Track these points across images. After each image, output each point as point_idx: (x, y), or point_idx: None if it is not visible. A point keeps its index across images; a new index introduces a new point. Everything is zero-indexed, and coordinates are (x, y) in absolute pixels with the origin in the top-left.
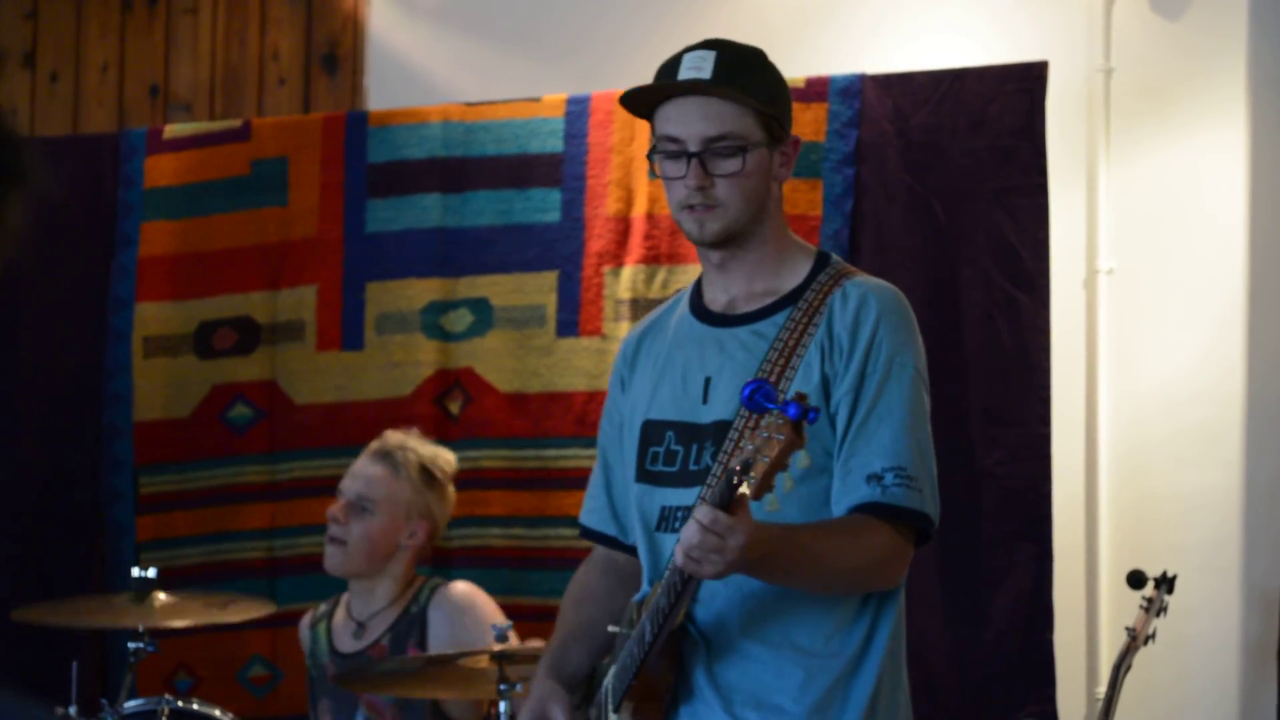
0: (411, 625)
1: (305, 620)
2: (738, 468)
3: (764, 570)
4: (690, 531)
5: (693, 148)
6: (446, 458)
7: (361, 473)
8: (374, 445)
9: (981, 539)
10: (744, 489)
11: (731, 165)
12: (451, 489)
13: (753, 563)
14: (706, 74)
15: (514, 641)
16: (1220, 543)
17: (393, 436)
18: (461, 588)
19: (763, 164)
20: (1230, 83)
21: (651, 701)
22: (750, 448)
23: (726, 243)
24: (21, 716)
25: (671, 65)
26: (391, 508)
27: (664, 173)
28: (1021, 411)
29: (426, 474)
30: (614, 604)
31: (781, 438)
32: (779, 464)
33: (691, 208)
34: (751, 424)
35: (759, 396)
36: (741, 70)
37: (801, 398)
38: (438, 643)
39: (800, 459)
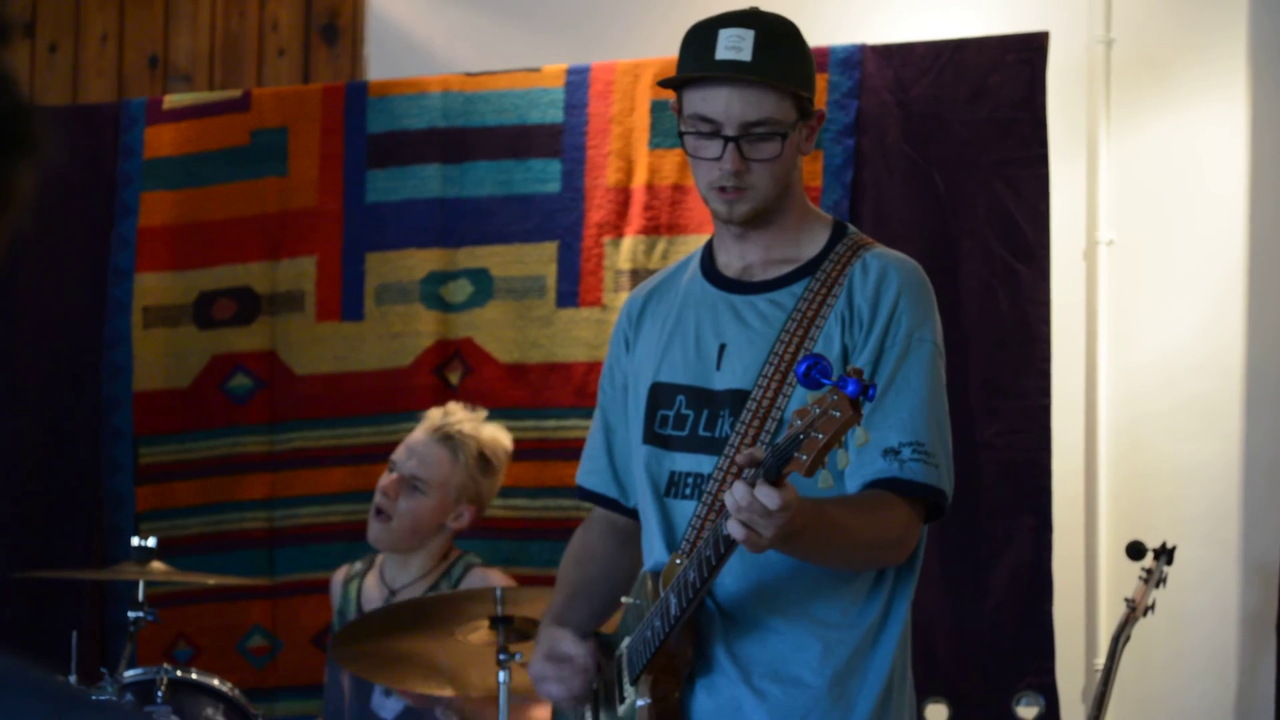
0: None
1: (339, 575)
2: (784, 444)
3: (793, 545)
4: (741, 497)
5: (730, 132)
6: (505, 444)
7: (419, 451)
8: (437, 421)
9: (981, 511)
10: (794, 465)
11: (768, 150)
12: (504, 472)
13: (789, 536)
14: (746, 55)
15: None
16: (1219, 515)
17: (455, 415)
18: (495, 575)
19: (794, 144)
20: (1231, 54)
21: (670, 675)
22: (800, 423)
23: (754, 220)
24: (31, 685)
25: (705, 39)
26: (444, 491)
27: (695, 151)
28: (1021, 383)
29: (484, 460)
30: (616, 564)
31: (838, 414)
32: (834, 441)
33: (723, 189)
34: (771, 395)
35: (815, 373)
36: (781, 52)
37: (858, 373)
38: None
39: (858, 435)
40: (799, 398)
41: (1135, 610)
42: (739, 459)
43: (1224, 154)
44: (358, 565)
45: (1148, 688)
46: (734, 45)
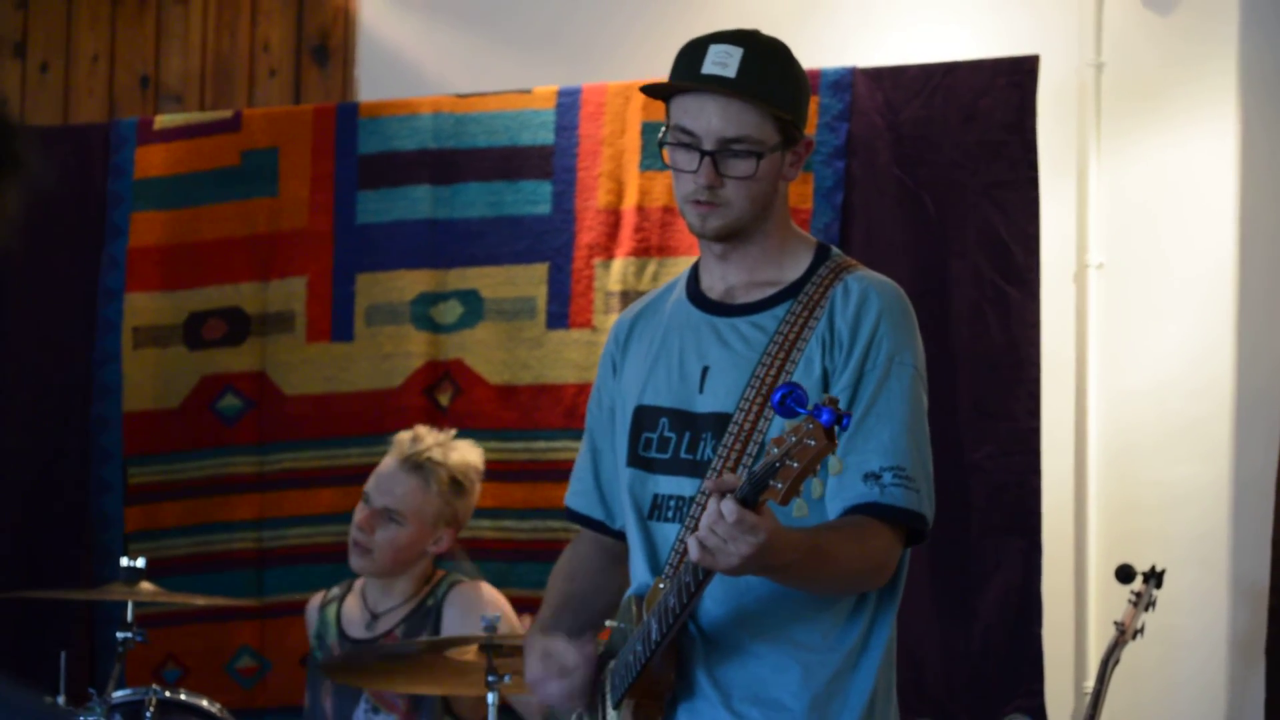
0: (426, 618)
1: (315, 601)
2: (761, 470)
3: (782, 575)
4: (709, 518)
5: (707, 146)
6: (475, 464)
7: (390, 483)
8: (406, 449)
9: (970, 533)
10: (770, 493)
11: (744, 168)
12: (479, 488)
13: (774, 567)
14: (731, 72)
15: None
16: (1209, 537)
17: (423, 440)
18: (480, 588)
19: (774, 166)
20: (1221, 75)
21: (652, 700)
22: (777, 451)
23: (728, 239)
24: (18, 705)
25: (696, 53)
26: (420, 519)
27: (674, 162)
28: (1010, 405)
29: (456, 484)
30: (605, 581)
31: (813, 443)
32: (809, 470)
33: (697, 202)
34: (752, 419)
35: (790, 401)
36: (767, 72)
37: (833, 402)
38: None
39: (832, 464)
40: (780, 422)
41: (1124, 633)
42: (708, 485)
43: (1214, 177)
44: (334, 590)
45: (1137, 711)
46: (721, 61)
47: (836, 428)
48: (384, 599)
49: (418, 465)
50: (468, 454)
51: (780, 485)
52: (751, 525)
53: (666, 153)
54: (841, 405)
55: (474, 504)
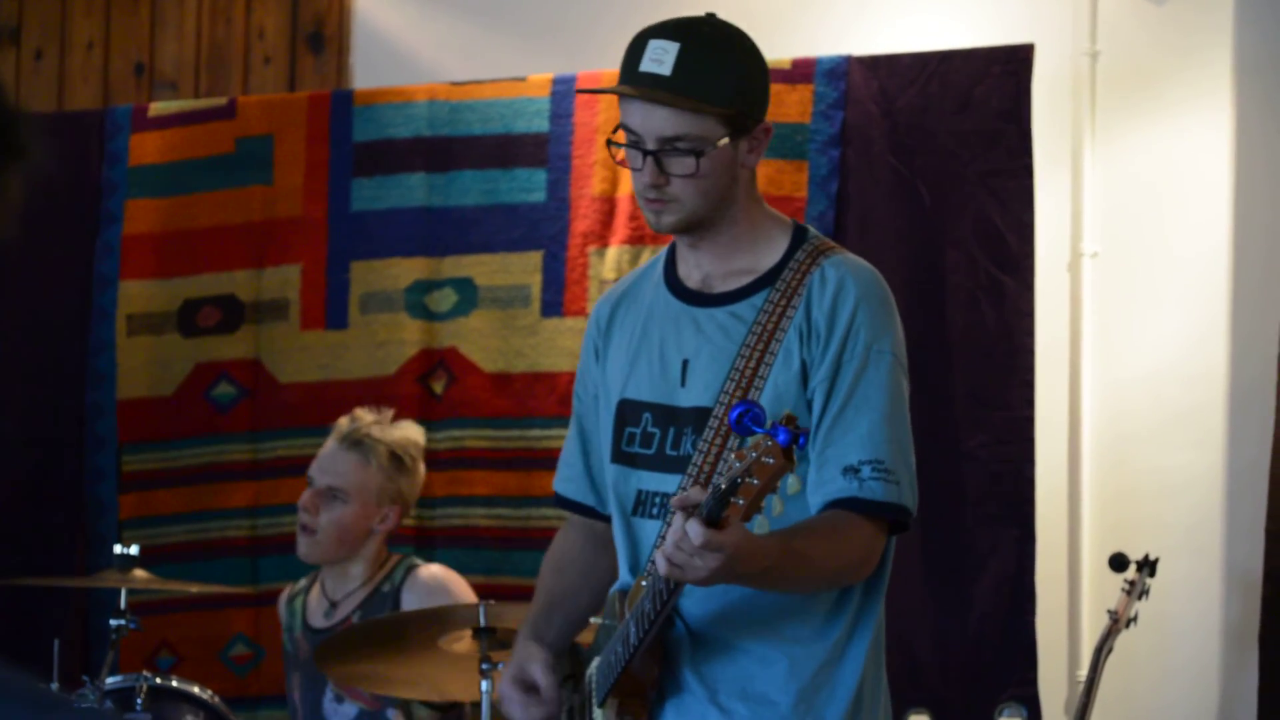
0: (383, 602)
1: (285, 594)
2: (724, 487)
3: (757, 581)
4: (674, 536)
5: (649, 146)
6: (415, 440)
7: (331, 461)
8: (344, 429)
9: (964, 522)
10: (732, 510)
11: (685, 166)
12: (422, 468)
13: (747, 576)
14: (666, 70)
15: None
16: (1202, 526)
17: (362, 419)
18: (436, 570)
19: (723, 159)
20: (1216, 64)
21: (637, 698)
22: (739, 466)
23: (687, 231)
24: (11, 689)
25: (637, 49)
26: (363, 495)
27: (625, 161)
28: (1005, 394)
29: (396, 460)
30: (595, 571)
31: (771, 461)
32: (769, 487)
33: (648, 199)
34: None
35: (747, 420)
36: (705, 67)
37: (791, 420)
38: None
39: (791, 483)
40: None
41: (1118, 622)
42: (674, 502)
43: (1209, 166)
44: (301, 583)
45: (1130, 700)
46: (657, 58)
47: (794, 446)
48: (340, 586)
49: (357, 442)
50: (408, 431)
51: (742, 502)
52: (717, 543)
53: (619, 152)
54: (819, 397)
55: (420, 483)
